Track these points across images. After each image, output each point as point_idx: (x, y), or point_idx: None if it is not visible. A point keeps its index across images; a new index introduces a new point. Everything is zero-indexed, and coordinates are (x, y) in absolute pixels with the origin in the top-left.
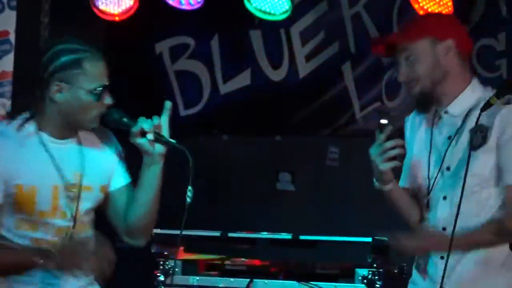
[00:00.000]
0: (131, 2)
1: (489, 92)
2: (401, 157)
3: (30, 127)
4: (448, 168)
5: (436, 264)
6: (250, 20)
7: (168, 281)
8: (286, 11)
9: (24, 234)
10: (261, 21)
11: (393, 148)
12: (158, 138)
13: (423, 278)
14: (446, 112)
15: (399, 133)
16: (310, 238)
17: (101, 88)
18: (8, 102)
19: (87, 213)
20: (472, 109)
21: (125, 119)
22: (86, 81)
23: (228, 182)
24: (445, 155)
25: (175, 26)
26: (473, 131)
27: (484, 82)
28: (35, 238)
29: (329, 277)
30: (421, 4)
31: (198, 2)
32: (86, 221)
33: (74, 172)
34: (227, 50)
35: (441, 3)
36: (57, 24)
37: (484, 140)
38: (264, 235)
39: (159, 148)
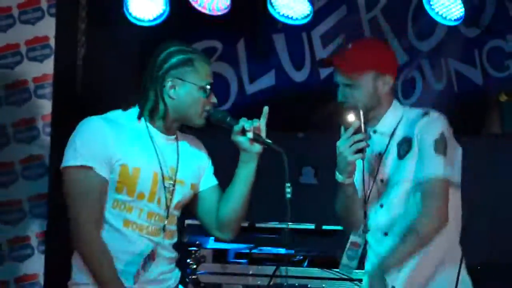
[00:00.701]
0: (163, 9)
1: (408, 109)
2: (365, 151)
3: (141, 119)
4: (381, 180)
5: (371, 261)
6: (274, 24)
7: (199, 269)
8: (307, 15)
9: (118, 214)
10: (284, 25)
11: (361, 141)
12: (257, 137)
13: None
14: (375, 132)
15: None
16: (331, 228)
17: (209, 86)
18: (49, 103)
19: (177, 206)
20: (396, 127)
21: (228, 118)
22: (197, 78)
23: (256, 175)
24: (378, 169)
25: (204, 30)
26: (399, 144)
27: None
28: (127, 219)
29: None
30: (435, 11)
31: (225, 8)
32: (176, 215)
33: (170, 166)
34: (252, 53)
35: (454, 6)
36: (93, 30)
37: (409, 148)
38: (289, 224)
39: (257, 147)
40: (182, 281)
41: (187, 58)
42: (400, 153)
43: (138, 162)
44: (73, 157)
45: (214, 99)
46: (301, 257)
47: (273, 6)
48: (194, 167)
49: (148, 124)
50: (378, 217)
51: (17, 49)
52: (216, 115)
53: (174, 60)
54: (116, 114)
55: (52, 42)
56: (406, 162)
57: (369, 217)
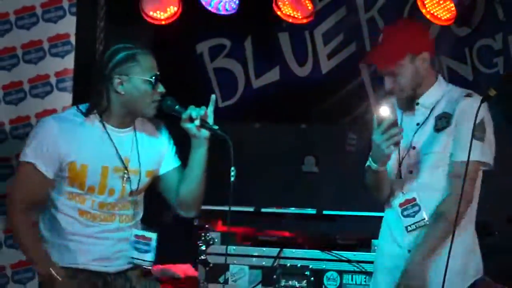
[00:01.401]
0: (176, 9)
1: (452, 87)
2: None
3: (94, 116)
4: (414, 148)
5: (403, 231)
6: (279, 23)
7: (208, 250)
8: (310, 15)
9: (73, 205)
10: (288, 24)
11: (396, 135)
12: (204, 124)
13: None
14: (417, 104)
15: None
16: (331, 213)
17: (154, 77)
18: (69, 95)
19: (134, 193)
20: (438, 101)
21: (177, 107)
22: (141, 72)
23: (260, 164)
24: (413, 137)
25: (214, 29)
26: (438, 117)
27: (484, 77)
28: (81, 209)
29: (348, 247)
30: (428, 9)
31: (233, 8)
32: (134, 200)
33: (125, 157)
34: (258, 50)
35: (446, 8)
36: (111, 28)
37: (447, 123)
38: (292, 210)
39: (204, 133)
40: (193, 261)
41: (130, 54)
42: (437, 126)
43: (86, 158)
44: (23, 154)
45: (161, 89)
46: (303, 240)
47: (278, 6)
48: (152, 154)
49: (102, 121)
50: (407, 182)
51: (40, 45)
52: (165, 104)
53: (118, 57)
54: (72, 113)
55: (72, 39)
56: (441, 136)
57: (401, 177)
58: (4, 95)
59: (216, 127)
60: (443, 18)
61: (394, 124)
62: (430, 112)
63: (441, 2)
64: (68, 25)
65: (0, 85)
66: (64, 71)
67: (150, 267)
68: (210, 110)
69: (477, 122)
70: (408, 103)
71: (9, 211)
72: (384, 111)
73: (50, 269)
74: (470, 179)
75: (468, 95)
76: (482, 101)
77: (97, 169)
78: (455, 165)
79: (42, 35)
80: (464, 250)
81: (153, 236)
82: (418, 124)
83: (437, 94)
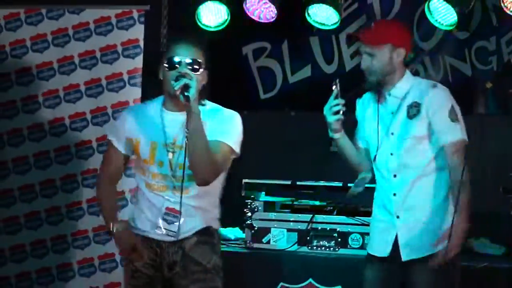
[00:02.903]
0: (225, 18)
1: (418, 79)
2: (343, 113)
3: (158, 102)
4: (392, 133)
5: (390, 200)
6: (310, 29)
7: (253, 216)
8: (336, 22)
9: (140, 178)
10: (318, 30)
11: (337, 105)
12: (181, 93)
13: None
14: (389, 94)
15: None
16: None
17: (171, 59)
18: (139, 89)
19: (180, 167)
20: (408, 92)
21: (174, 83)
22: (165, 58)
23: (296, 145)
24: (390, 124)
25: (256, 34)
26: (409, 106)
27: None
28: (144, 181)
29: (369, 213)
30: (435, 18)
31: (272, 17)
32: (186, 174)
33: (174, 135)
34: (293, 51)
35: (449, 15)
36: (172, 33)
37: (418, 111)
38: (322, 183)
39: (181, 99)
40: (240, 226)
41: (168, 45)
42: (409, 114)
43: (139, 135)
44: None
45: (180, 69)
46: (332, 208)
47: (309, 15)
48: None
49: (161, 105)
50: (389, 162)
51: (115, 48)
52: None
53: (166, 50)
54: (147, 102)
55: (141, 43)
56: (414, 123)
57: (379, 161)
58: (85, 90)
59: (188, 94)
60: (446, 24)
61: (337, 97)
62: (400, 102)
63: (443, 10)
64: (138, 32)
65: (82, 81)
66: (134, 69)
67: (175, 238)
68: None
69: (449, 108)
70: (381, 95)
71: (96, 183)
72: (333, 87)
73: (111, 224)
74: (462, 154)
75: (434, 86)
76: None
77: (147, 143)
78: (446, 147)
79: (116, 40)
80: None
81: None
82: (392, 113)
83: (406, 86)
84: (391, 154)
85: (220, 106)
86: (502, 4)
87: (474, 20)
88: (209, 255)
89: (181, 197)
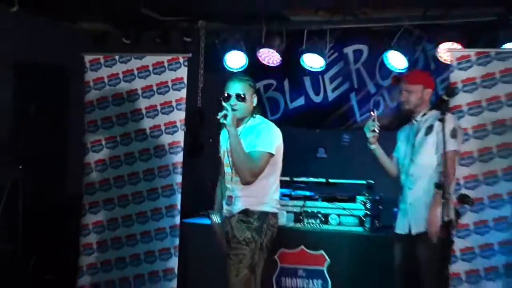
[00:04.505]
0: (244, 62)
1: (434, 112)
2: (377, 133)
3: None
4: (413, 145)
5: (406, 194)
6: (304, 71)
7: None
8: (322, 66)
9: (226, 172)
10: (309, 71)
11: (373, 126)
12: (220, 121)
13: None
14: (416, 120)
15: (378, 123)
16: (334, 181)
17: (225, 95)
18: (183, 113)
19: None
20: (426, 119)
21: (220, 115)
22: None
23: (293, 152)
24: (414, 140)
25: (265, 73)
26: (427, 127)
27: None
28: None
29: (343, 200)
30: (391, 64)
31: (277, 62)
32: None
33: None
34: (292, 86)
35: (401, 62)
36: (207, 73)
37: (431, 130)
38: (311, 179)
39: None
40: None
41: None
42: (426, 133)
43: (222, 146)
44: None
45: (232, 101)
46: (318, 197)
47: (303, 61)
48: (245, 141)
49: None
50: (409, 166)
51: (166, 84)
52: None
53: None
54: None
55: (185, 80)
56: (427, 138)
57: (403, 165)
58: (146, 112)
59: (224, 121)
60: (399, 68)
61: (373, 121)
62: (422, 124)
63: (397, 59)
64: (183, 72)
65: (143, 106)
66: (180, 99)
67: (230, 215)
68: (228, 109)
69: (451, 129)
70: (409, 120)
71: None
72: (372, 116)
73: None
74: (454, 161)
75: (443, 114)
76: (442, 114)
77: (224, 151)
78: (446, 154)
79: (168, 78)
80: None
81: (233, 195)
82: (416, 132)
83: (427, 114)
84: (411, 160)
85: (264, 119)
86: (438, 55)
87: (418, 65)
88: (243, 230)
89: (231, 188)
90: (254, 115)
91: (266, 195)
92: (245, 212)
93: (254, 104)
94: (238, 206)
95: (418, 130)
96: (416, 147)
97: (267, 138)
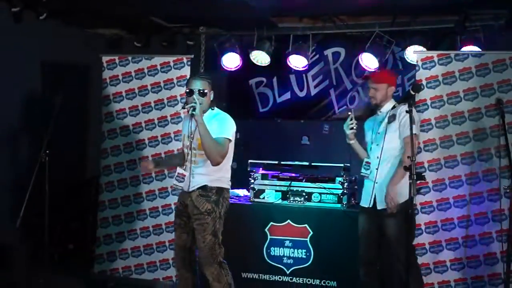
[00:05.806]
0: (238, 62)
1: (397, 105)
2: (356, 129)
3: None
4: (378, 133)
5: (372, 173)
6: (290, 69)
7: (255, 182)
8: (305, 66)
9: (186, 153)
10: (295, 70)
11: (351, 123)
12: (190, 110)
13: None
14: (380, 111)
15: (356, 119)
16: (316, 164)
17: (187, 90)
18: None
19: (194, 149)
20: (389, 110)
21: (187, 106)
22: (187, 87)
23: (281, 140)
24: (378, 128)
25: (257, 72)
26: (389, 117)
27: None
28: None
29: (324, 180)
30: (364, 64)
31: (267, 63)
32: (198, 153)
33: (192, 130)
34: (280, 83)
35: (373, 63)
36: (206, 71)
37: (394, 119)
38: (296, 162)
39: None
40: (246, 188)
41: (188, 80)
42: (389, 120)
43: (183, 130)
44: None
45: (195, 96)
46: (302, 177)
47: (289, 61)
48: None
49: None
50: (375, 150)
51: (172, 81)
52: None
53: None
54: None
55: (188, 77)
56: (391, 126)
57: (371, 150)
58: (154, 105)
59: (193, 112)
60: (371, 67)
61: (351, 120)
62: (386, 115)
63: (369, 60)
64: (186, 71)
65: (153, 100)
66: (184, 93)
67: (181, 190)
68: (195, 102)
69: (415, 119)
70: (374, 112)
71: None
72: (349, 116)
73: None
74: (409, 145)
75: (410, 108)
76: (409, 106)
77: (184, 135)
78: (405, 138)
79: (173, 75)
80: (405, 180)
81: (186, 173)
82: (380, 121)
83: (390, 107)
84: (377, 145)
85: (221, 111)
86: (405, 56)
87: (388, 66)
88: (203, 203)
89: (190, 167)
90: (213, 108)
91: (221, 173)
92: (204, 187)
93: (211, 99)
94: (198, 182)
95: (382, 119)
96: (381, 133)
97: (227, 126)
